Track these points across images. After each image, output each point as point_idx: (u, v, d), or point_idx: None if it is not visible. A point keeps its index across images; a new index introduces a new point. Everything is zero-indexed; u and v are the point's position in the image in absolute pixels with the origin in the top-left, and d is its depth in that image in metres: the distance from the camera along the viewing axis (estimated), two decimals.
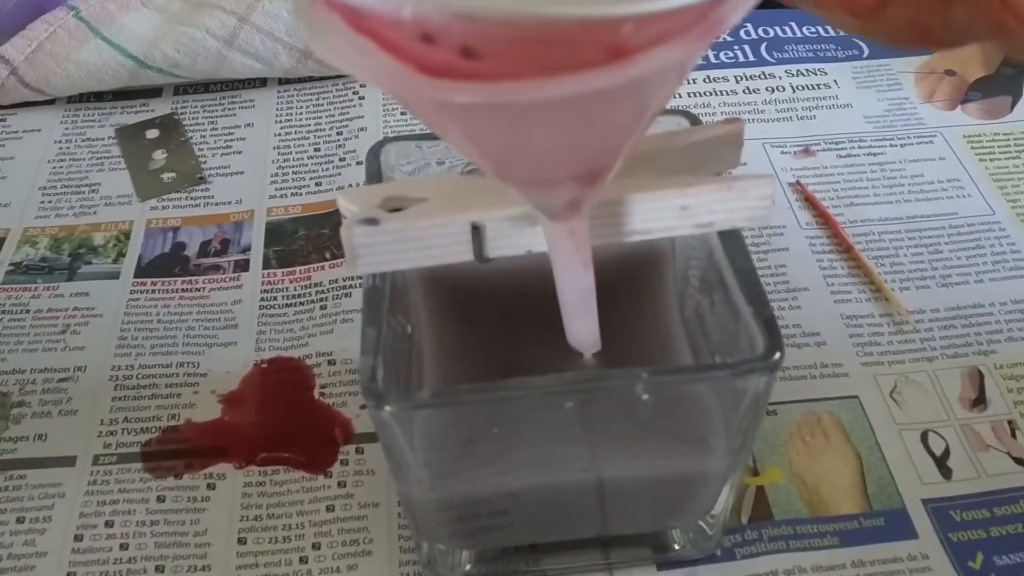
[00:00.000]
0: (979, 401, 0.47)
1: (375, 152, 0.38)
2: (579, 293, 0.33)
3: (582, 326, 0.34)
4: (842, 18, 0.23)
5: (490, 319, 0.40)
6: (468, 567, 0.40)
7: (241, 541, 0.42)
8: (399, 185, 0.35)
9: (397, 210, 0.33)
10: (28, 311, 0.52)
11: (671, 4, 0.20)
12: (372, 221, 0.32)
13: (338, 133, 0.62)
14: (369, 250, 0.32)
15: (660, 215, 0.33)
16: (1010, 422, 0.46)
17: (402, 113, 0.62)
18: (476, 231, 0.33)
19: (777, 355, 0.31)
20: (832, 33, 0.69)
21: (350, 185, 0.58)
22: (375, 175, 0.38)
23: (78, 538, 0.42)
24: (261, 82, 0.66)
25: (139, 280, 0.53)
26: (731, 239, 0.35)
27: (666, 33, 0.21)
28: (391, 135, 0.61)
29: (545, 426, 0.34)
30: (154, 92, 0.66)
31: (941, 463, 0.44)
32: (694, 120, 0.39)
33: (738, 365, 0.31)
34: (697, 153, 0.35)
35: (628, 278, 0.41)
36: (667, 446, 0.36)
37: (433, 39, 0.20)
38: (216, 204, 0.58)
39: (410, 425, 0.32)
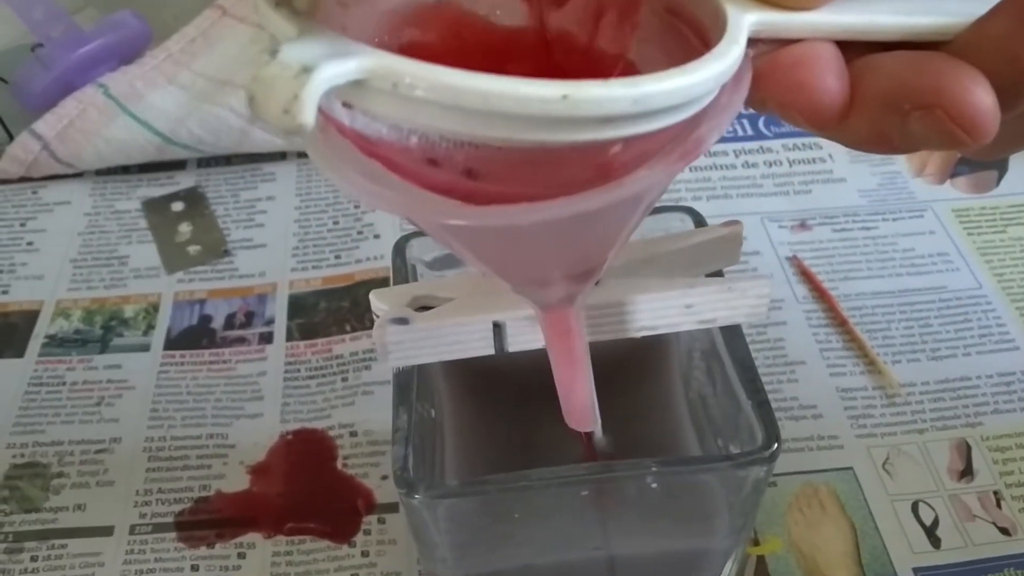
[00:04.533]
0: (966, 472, 0.49)
1: (400, 249, 0.41)
2: (574, 380, 0.35)
3: (578, 410, 0.36)
4: (806, 126, 0.26)
5: (507, 398, 0.43)
6: None
7: None
8: (426, 285, 0.37)
9: (424, 308, 0.36)
10: (64, 383, 0.54)
11: (654, 126, 0.22)
12: (402, 320, 0.35)
13: (356, 206, 0.65)
14: (399, 346, 0.35)
15: (666, 313, 0.36)
16: (995, 492, 0.48)
17: None
18: (497, 328, 0.36)
19: (775, 446, 0.33)
20: None
21: (368, 259, 0.61)
22: (401, 270, 0.40)
23: None
24: (281, 155, 0.69)
25: (168, 352, 0.56)
26: (732, 334, 0.37)
27: (648, 150, 0.24)
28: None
29: (561, 509, 0.36)
30: (179, 165, 0.69)
31: (931, 533, 0.47)
32: (696, 216, 0.42)
33: (738, 457, 0.34)
34: (700, 253, 0.38)
35: (635, 360, 0.43)
36: (674, 527, 0.39)
37: (438, 163, 0.23)
38: (240, 277, 0.61)
39: (437, 510, 0.34)
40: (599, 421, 0.36)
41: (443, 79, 0.20)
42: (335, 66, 0.20)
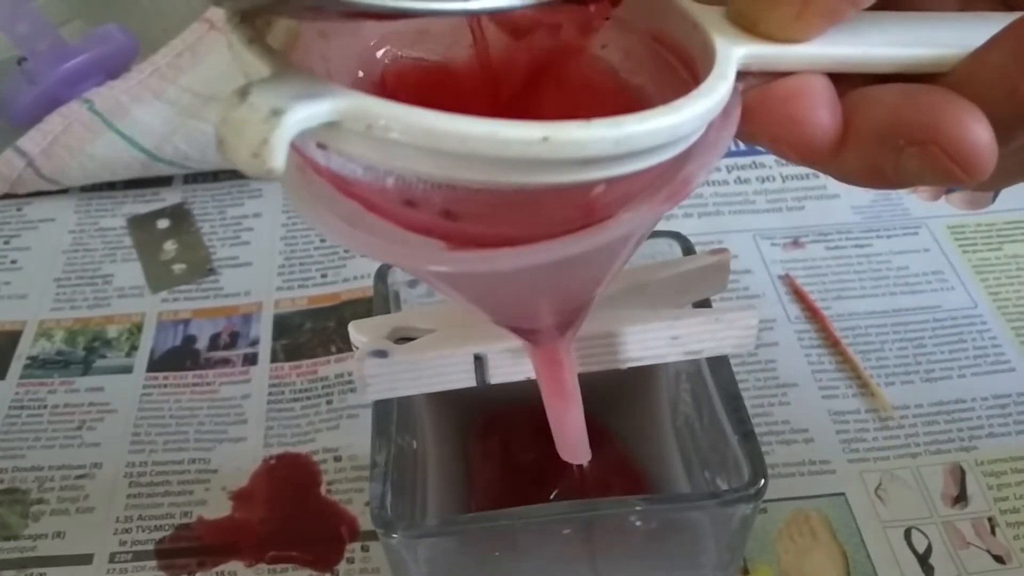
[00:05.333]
0: (960, 498, 0.48)
1: (382, 275, 0.40)
2: (566, 413, 0.35)
3: (570, 441, 0.36)
4: (798, 160, 0.25)
5: (492, 422, 0.42)
6: None
7: None
8: (406, 316, 0.37)
9: (405, 339, 0.35)
10: (45, 406, 0.54)
11: (638, 166, 0.21)
12: (381, 353, 0.34)
13: None
14: (378, 379, 0.34)
15: (652, 344, 0.35)
16: (990, 519, 0.47)
17: None
18: (478, 361, 0.35)
19: (761, 483, 0.33)
20: None
21: (355, 277, 0.60)
22: (382, 297, 0.40)
23: None
24: None
25: (151, 374, 0.55)
26: (719, 365, 0.37)
27: (632, 189, 0.23)
28: None
29: (544, 547, 0.35)
30: (164, 181, 0.68)
31: (923, 561, 0.46)
32: (684, 243, 0.41)
33: (723, 495, 0.33)
34: (687, 281, 0.38)
35: (622, 388, 0.43)
36: (660, 562, 0.38)
37: (415, 204, 0.22)
38: (225, 296, 0.60)
39: (416, 549, 0.33)
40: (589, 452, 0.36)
41: (419, 121, 0.19)
42: (306, 108, 0.19)
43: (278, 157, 0.19)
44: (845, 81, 0.25)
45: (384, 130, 0.19)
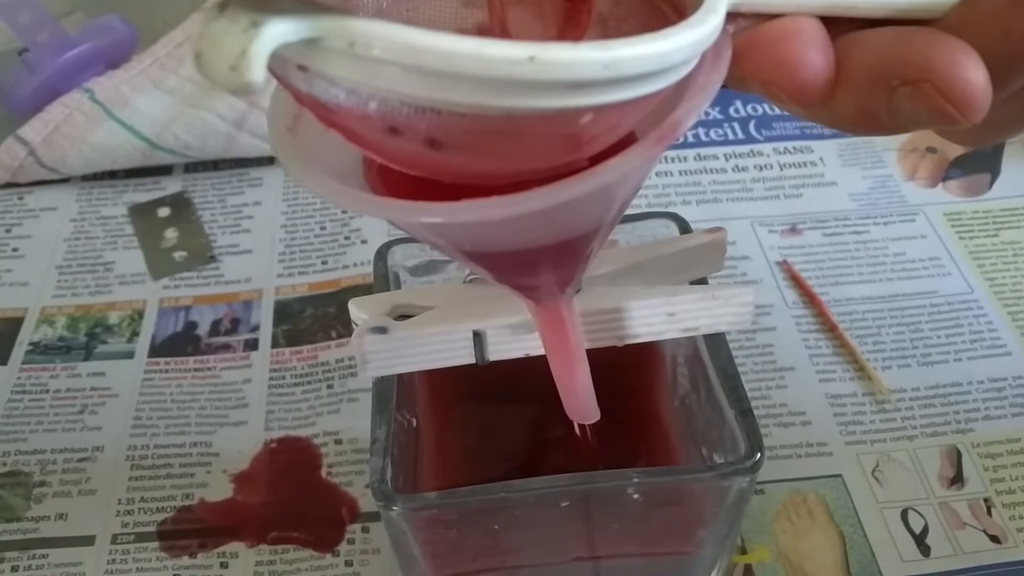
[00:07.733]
0: (956, 479, 0.49)
1: (382, 255, 0.40)
2: (573, 373, 0.35)
3: (579, 401, 0.36)
4: (790, 105, 0.25)
5: (491, 399, 0.42)
6: None
7: None
8: (406, 294, 0.37)
9: (404, 316, 0.36)
10: (47, 391, 0.54)
11: (627, 95, 0.21)
12: (381, 330, 0.34)
13: (343, 212, 0.65)
14: (378, 356, 0.35)
15: (649, 321, 0.36)
16: (986, 500, 0.48)
17: None
18: (477, 337, 0.35)
19: (757, 457, 0.33)
20: None
21: (355, 264, 0.61)
22: (382, 277, 0.40)
23: None
24: (268, 160, 0.69)
25: (153, 360, 0.56)
26: (715, 341, 0.37)
27: (620, 122, 0.23)
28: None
29: (543, 520, 0.36)
30: (165, 170, 0.69)
31: (920, 541, 0.46)
32: (681, 223, 0.41)
33: (720, 468, 0.33)
34: (684, 259, 0.38)
35: (619, 363, 0.43)
36: (658, 536, 0.38)
37: (399, 131, 0.21)
38: (226, 283, 0.60)
39: (416, 522, 0.34)
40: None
41: (402, 37, 0.19)
42: (286, 22, 0.19)
43: (257, 70, 0.18)
44: (837, 26, 0.25)
45: (366, 47, 0.19)
